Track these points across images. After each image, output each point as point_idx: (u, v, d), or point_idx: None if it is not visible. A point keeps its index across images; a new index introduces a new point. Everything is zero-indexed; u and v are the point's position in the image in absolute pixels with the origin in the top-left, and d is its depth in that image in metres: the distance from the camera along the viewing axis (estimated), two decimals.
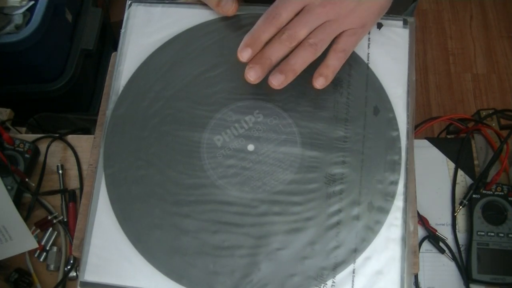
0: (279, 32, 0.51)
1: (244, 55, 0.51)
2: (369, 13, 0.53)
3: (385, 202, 0.50)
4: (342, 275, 0.47)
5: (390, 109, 0.53)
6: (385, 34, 0.56)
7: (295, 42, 0.51)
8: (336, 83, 0.54)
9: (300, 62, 0.50)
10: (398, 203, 0.50)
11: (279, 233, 0.49)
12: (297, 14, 0.52)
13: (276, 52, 0.51)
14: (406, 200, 0.50)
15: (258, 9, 0.58)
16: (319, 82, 0.51)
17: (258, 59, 0.50)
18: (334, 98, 0.53)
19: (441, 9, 1.96)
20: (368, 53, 0.56)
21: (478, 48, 1.88)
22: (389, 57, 0.55)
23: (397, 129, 0.52)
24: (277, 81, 0.50)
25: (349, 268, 0.48)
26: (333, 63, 0.51)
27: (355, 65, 0.55)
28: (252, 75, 0.50)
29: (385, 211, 0.49)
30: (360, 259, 0.48)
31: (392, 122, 0.53)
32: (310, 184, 0.51)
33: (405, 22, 0.56)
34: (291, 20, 0.51)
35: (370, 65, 0.55)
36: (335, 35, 0.52)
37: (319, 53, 0.51)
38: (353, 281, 0.47)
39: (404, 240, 0.49)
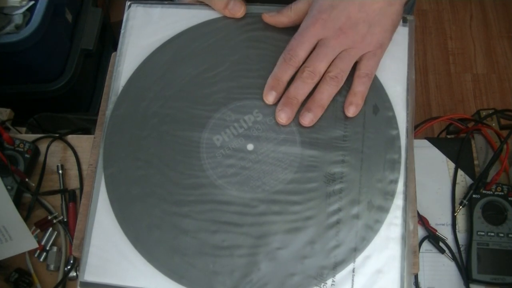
0: (299, 70, 0.53)
1: (269, 98, 0.53)
2: (383, 33, 0.53)
3: (385, 201, 0.50)
4: (342, 274, 0.47)
5: (390, 108, 0.53)
6: None
7: (316, 78, 0.52)
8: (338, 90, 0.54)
9: (326, 96, 0.52)
10: (398, 202, 0.50)
11: (278, 233, 0.49)
12: (312, 50, 0.53)
13: (301, 90, 0.52)
14: (406, 199, 0.50)
15: (257, 9, 0.58)
16: (351, 111, 0.53)
17: (286, 101, 0.52)
18: (333, 97, 0.53)
19: (441, 9, 1.96)
20: None
21: (478, 48, 1.88)
22: (389, 56, 0.55)
23: (396, 128, 0.52)
24: (307, 120, 0.52)
25: (349, 267, 0.48)
26: (360, 89, 0.53)
27: (354, 63, 0.55)
28: (283, 117, 0.52)
29: (385, 210, 0.49)
30: (360, 258, 0.48)
31: (391, 120, 0.53)
32: (309, 183, 0.51)
33: (405, 20, 0.56)
34: (308, 57, 0.53)
35: None
36: (354, 61, 0.53)
37: (341, 84, 0.53)
38: (353, 280, 0.47)
39: (404, 239, 0.48)
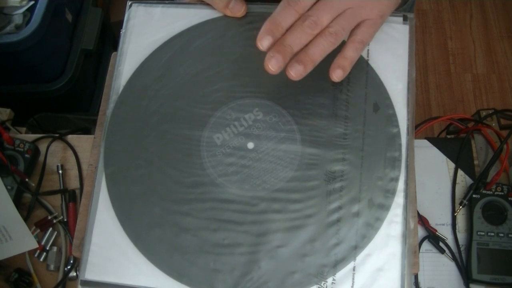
0: (301, 17, 0.48)
1: (264, 43, 0.48)
2: (387, 3, 0.53)
3: (385, 199, 0.50)
4: (343, 272, 0.47)
5: (390, 106, 0.53)
6: (385, 30, 0.56)
7: (317, 30, 0.48)
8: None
9: (320, 51, 0.48)
10: (399, 199, 0.50)
11: (279, 231, 0.49)
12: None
13: (298, 39, 0.48)
14: (406, 196, 0.50)
15: (258, 8, 0.58)
16: (337, 74, 0.50)
17: (279, 47, 0.48)
18: (333, 95, 0.53)
19: (441, 9, 1.97)
20: (368, 50, 0.56)
21: (478, 48, 1.88)
22: (389, 54, 0.55)
23: (397, 126, 0.52)
24: (296, 72, 0.48)
25: (350, 265, 0.48)
26: (351, 54, 0.50)
27: None
28: (274, 65, 0.47)
29: (385, 208, 0.49)
30: (360, 256, 0.48)
31: (392, 118, 0.53)
32: (310, 181, 0.51)
33: (405, 18, 0.57)
34: (312, 5, 0.49)
35: (370, 62, 0.55)
36: (355, 23, 0.51)
37: (338, 43, 0.49)
38: (353, 278, 0.47)
39: (405, 237, 0.48)
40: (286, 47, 0.48)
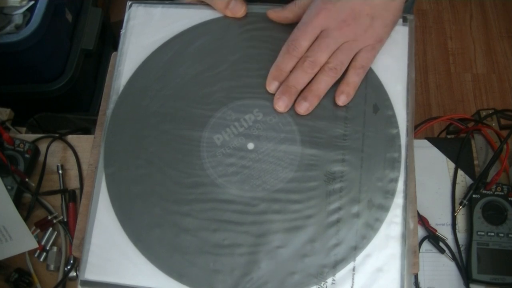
0: (300, 59, 0.53)
1: (272, 88, 0.54)
2: (383, 28, 0.54)
3: (385, 200, 0.50)
4: (342, 273, 0.47)
5: (390, 107, 0.53)
6: None
7: (317, 68, 0.52)
8: (336, 81, 0.54)
9: (323, 87, 0.53)
10: (398, 200, 0.50)
11: (279, 231, 0.49)
12: (315, 39, 0.53)
13: (300, 79, 0.53)
14: (406, 197, 0.50)
15: (258, 8, 0.58)
16: (342, 100, 0.53)
17: (284, 89, 0.53)
18: (333, 96, 0.53)
19: (441, 9, 1.97)
20: None
21: (478, 48, 1.88)
22: (389, 55, 0.55)
23: (396, 127, 0.53)
24: (303, 109, 0.52)
25: (349, 265, 0.48)
26: (353, 80, 0.53)
27: None
28: (281, 105, 0.53)
29: (385, 208, 0.49)
30: (360, 257, 0.48)
31: (391, 119, 0.53)
32: (309, 182, 0.51)
33: (405, 20, 0.57)
34: (310, 47, 0.53)
35: None
36: (354, 54, 0.53)
37: (339, 75, 0.53)
38: (353, 278, 0.47)
39: (404, 237, 0.48)
40: (291, 88, 0.53)
